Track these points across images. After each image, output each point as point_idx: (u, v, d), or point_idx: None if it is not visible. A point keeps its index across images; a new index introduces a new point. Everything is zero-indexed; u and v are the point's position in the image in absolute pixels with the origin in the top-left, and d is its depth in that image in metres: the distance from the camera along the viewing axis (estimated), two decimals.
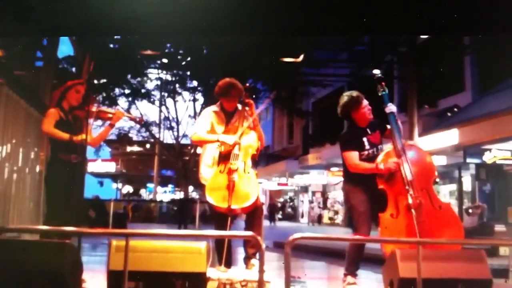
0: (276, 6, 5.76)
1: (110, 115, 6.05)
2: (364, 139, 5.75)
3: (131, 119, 6.77)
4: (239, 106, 5.91)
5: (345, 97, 5.88)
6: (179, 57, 26.21)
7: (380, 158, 5.61)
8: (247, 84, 5.95)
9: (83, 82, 6.03)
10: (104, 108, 6.23)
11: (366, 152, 5.71)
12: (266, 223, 31.96)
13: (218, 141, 5.69)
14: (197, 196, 42.19)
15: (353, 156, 5.66)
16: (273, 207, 37.21)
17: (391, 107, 5.77)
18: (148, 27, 6.09)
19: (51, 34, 9.50)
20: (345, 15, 5.91)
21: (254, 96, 6.06)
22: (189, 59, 26.11)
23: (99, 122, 6.28)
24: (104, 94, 27.62)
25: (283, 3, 5.78)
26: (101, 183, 52.33)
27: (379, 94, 5.85)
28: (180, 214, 27.67)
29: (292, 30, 6.92)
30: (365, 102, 5.82)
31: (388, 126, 5.80)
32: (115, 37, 21.85)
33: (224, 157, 5.62)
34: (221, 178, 5.48)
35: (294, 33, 7.81)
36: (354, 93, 5.86)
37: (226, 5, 5.63)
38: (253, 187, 5.48)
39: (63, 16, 5.79)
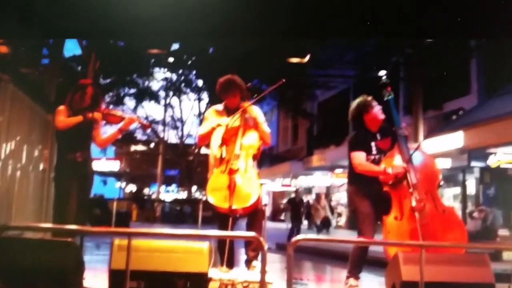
0: (280, 9, 5.76)
1: (117, 119, 6.02)
2: (372, 143, 5.75)
3: (140, 124, 6.76)
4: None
5: (356, 100, 5.93)
6: (184, 56, 26.20)
7: (383, 161, 5.61)
8: (249, 84, 5.95)
9: (92, 83, 6.01)
10: (112, 111, 6.22)
11: (372, 157, 5.70)
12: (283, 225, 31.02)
13: (213, 128, 5.73)
14: (200, 196, 42.11)
15: (361, 156, 5.65)
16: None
17: (404, 131, 5.74)
18: (151, 30, 6.09)
19: (54, 36, 9.53)
20: (350, 18, 5.90)
21: (255, 96, 6.03)
22: (194, 58, 26.09)
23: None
24: (110, 94, 27.67)
25: (288, 6, 5.77)
26: (105, 182, 52.30)
27: (385, 99, 5.85)
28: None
29: (296, 33, 6.91)
30: (375, 102, 5.83)
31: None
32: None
33: (225, 157, 5.61)
34: (222, 178, 5.47)
35: (299, 35, 7.80)
36: (365, 96, 5.90)
37: (230, 7, 5.62)
38: (254, 187, 5.47)
39: (67, 18, 5.80)
